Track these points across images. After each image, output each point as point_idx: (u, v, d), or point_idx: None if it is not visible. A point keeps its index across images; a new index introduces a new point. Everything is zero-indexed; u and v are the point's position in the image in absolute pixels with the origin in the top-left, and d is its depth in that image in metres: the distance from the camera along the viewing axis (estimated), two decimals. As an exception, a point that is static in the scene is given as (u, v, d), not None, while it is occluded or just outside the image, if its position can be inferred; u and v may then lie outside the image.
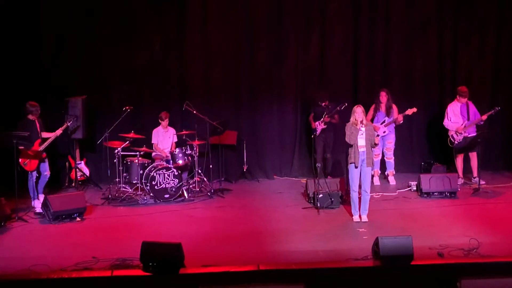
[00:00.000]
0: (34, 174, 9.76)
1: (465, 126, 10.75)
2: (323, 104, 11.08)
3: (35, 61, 11.23)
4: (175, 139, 10.94)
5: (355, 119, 8.66)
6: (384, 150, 11.18)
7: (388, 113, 11.03)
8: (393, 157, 11.26)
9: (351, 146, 8.67)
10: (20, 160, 9.55)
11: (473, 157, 10.94)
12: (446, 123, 10.97)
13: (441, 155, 11.89)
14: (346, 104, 10.80)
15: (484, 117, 10.66)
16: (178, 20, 11.66)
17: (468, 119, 10.77)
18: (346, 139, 8.71)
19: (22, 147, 9.51)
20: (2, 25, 10.19)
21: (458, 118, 10.84)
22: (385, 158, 11.26)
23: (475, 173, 10.97)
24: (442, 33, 12.10)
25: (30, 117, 9.79)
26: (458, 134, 10.81)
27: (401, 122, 11.00)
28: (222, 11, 11.73)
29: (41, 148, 9.80)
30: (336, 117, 11.04)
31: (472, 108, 10.84)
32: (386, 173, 11.36)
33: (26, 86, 10.97)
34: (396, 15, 12.00)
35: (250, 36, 11.84)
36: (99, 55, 11.54)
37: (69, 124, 10.24)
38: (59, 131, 9.98)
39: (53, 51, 11.35)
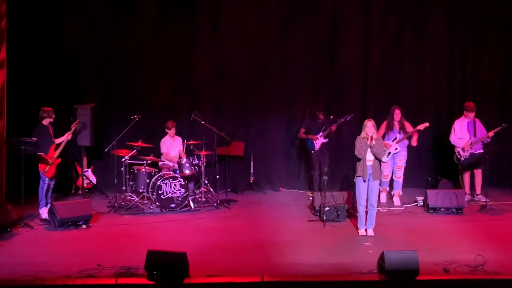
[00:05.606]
0: (47, 180, 9.77)
1: (471, 143, 10.70)
2: (322, 119, 11.02)
3: (45, 68, 11.30)
4: (182, 148, 10.93)
5: (366, 134, 8.67)
6: (394, 168, 10.79)
7: (402, 129, 10.64)
8: (402, 177, 10.86)
9: (359, 160, 8.68)
10: (40, 167, 9.61)
11: (478, 174, 10.89)
12: (453, 139, 10.89)
13: (448, 171, 11.82)
14: (353, 115, 10.78)
15: (491, 133, 10.57)
16: (189, 30, 11.72)
17: (475, 136, 10.72)
18: (355, 152, 8.71)
19: (41, 154, 9.55)
20: (14, 32, 10.25)
21: (464, 135, 10.77)
22: (393, 176, 10.84)
23: (478, 190, 10.92)
24: (453, 49, 12.09)
25: (44, 122, 9.82)
26: (464, 150, 10.76)
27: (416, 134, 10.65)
28: (233, 22, 11.78)
29: (57, 153, 9.82)
30: (334, 127, 10.95)
31: (479, 125, 10.79)
32: (392, 192, 11.00)
33: (36, 92, 11.05)
34: (407, 30, 12.01)
35: (259, 49, 11.87)
36: (108, 63, 11.61)
37: (76, 127, 10.24)
38: (68, 135, 10.01)
39: (63, 58, 11.42)
